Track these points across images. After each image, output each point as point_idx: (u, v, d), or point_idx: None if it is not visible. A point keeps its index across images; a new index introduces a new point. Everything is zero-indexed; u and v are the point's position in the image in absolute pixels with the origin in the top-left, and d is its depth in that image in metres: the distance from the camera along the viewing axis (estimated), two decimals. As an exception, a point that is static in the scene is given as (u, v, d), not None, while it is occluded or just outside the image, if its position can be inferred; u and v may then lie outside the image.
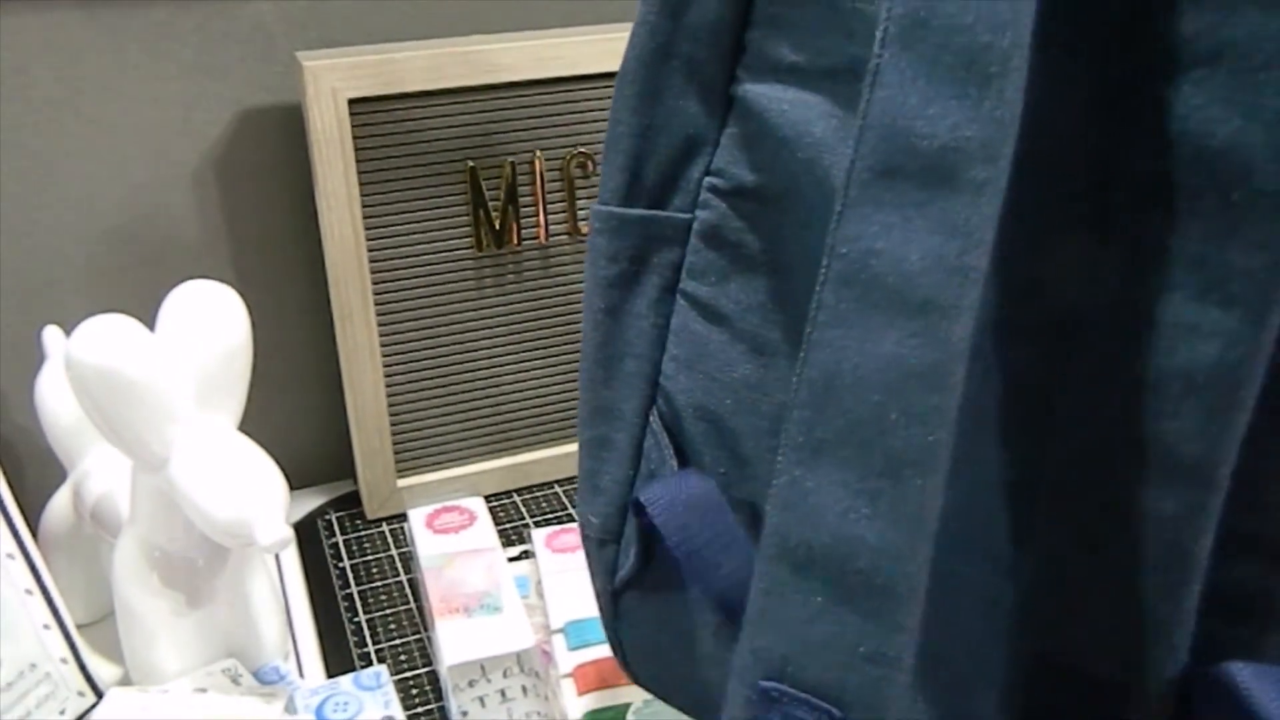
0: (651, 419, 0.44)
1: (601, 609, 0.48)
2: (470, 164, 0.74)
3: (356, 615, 0.70)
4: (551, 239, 0.77)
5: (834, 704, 0.32)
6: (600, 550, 0.46)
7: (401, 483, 0.80)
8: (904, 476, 0.31)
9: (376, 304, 0.75)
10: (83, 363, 0.51)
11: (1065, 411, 0.34)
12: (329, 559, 0.76)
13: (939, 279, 0.30)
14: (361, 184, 0.72)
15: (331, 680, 0.61)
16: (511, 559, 0.73)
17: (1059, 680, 0.36)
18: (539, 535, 0.73)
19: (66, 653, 0.59)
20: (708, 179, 0.42)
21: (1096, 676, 0.35)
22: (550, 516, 0.79)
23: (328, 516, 0.80)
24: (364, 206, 0.72)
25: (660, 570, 0.45)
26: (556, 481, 0.83)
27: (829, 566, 0.32)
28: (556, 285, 0.79)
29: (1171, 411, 0.32)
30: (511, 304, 0.78)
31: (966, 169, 0.30)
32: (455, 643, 0.59)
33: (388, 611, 0.70)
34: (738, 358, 0.42)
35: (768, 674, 0.33)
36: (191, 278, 0.57)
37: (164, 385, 0.53)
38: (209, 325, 0.55)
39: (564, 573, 0.69)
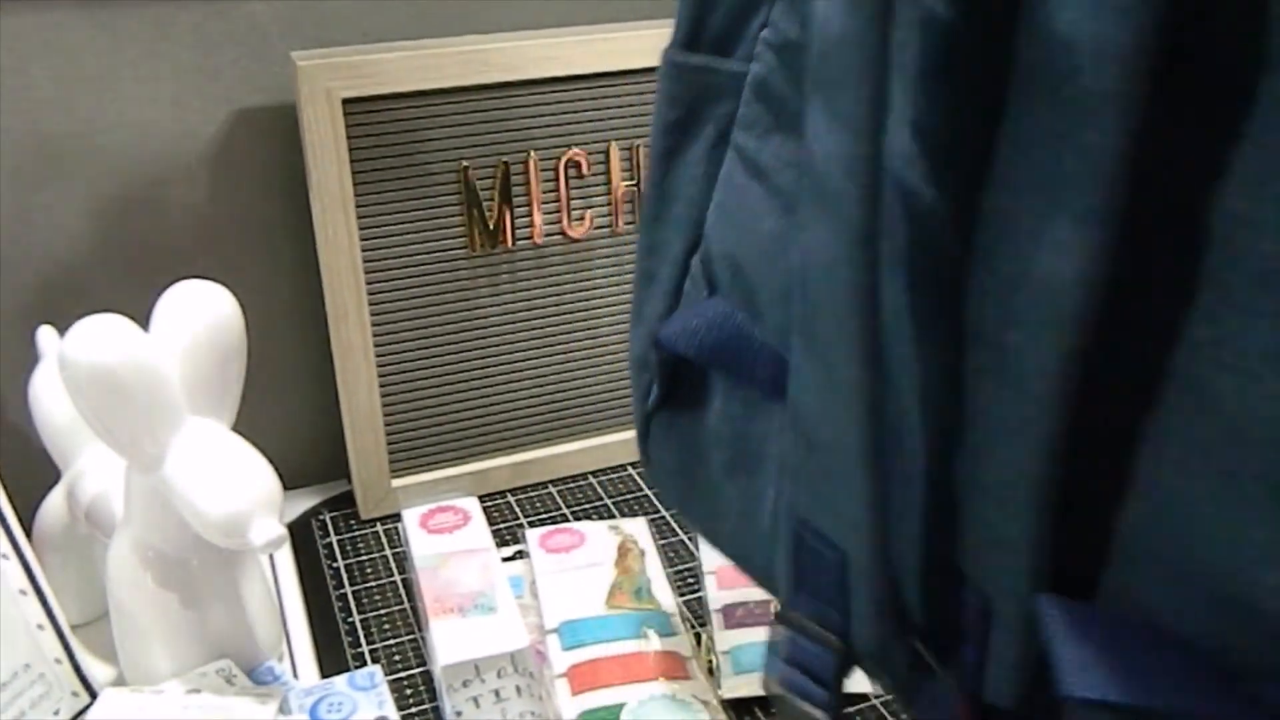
0: (693, 261, 0.46)
1: (638, 430, 0.51)
2: (464, 164, 0.74)
3: (351, 615, 0.70)
4: (545, 239, 0.77)
5: (835, 547, 0.37)
6: (638, 375, 0.49)
7: (396, 483, 0.80)
8: (831, 359, 0.34)
9: (370, 304, 0.75)
10: (77, 362, 0.51)
11: (935, 319, 0.35)
12: (323, 559, 0.76)
13: (840, 173, 0.32)
14: (355, 184, 0.72)
15: (326, 680, 0.61)
16: (506, 559, 0.73)
17: (949, 580, 0.37)
18: (533, 535, 0.73)
19: (61, 653, 0.59)
20: (763, 32, 0.42)
21: (974, 585, 0.36)
22: (545, 516, 0.79)
23: (322, 516, 0.80)
24: (358, 206, 0.72)
25: (680, 402, 0.48)
26: (551, 481, 0.83)
27: (811, 435, 0.37)
28: (550, 285, 0.79)
29: (1012, 320, 0.32)
30: (505, 304, 0.78)
31: (854, 62, 0.31)
32: (449, 643, 0.59)
33: (382, 612, 0.70)
34: (767, 212, 0.43)
35: (799, 517, 0.39)
36: (186, 277, 0.57)
37: (158, 385, 0.53)
38: (203, 325, 0.55)
39: (558, 573, 0.69)
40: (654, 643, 0.63)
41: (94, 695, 0.60)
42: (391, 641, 0.68)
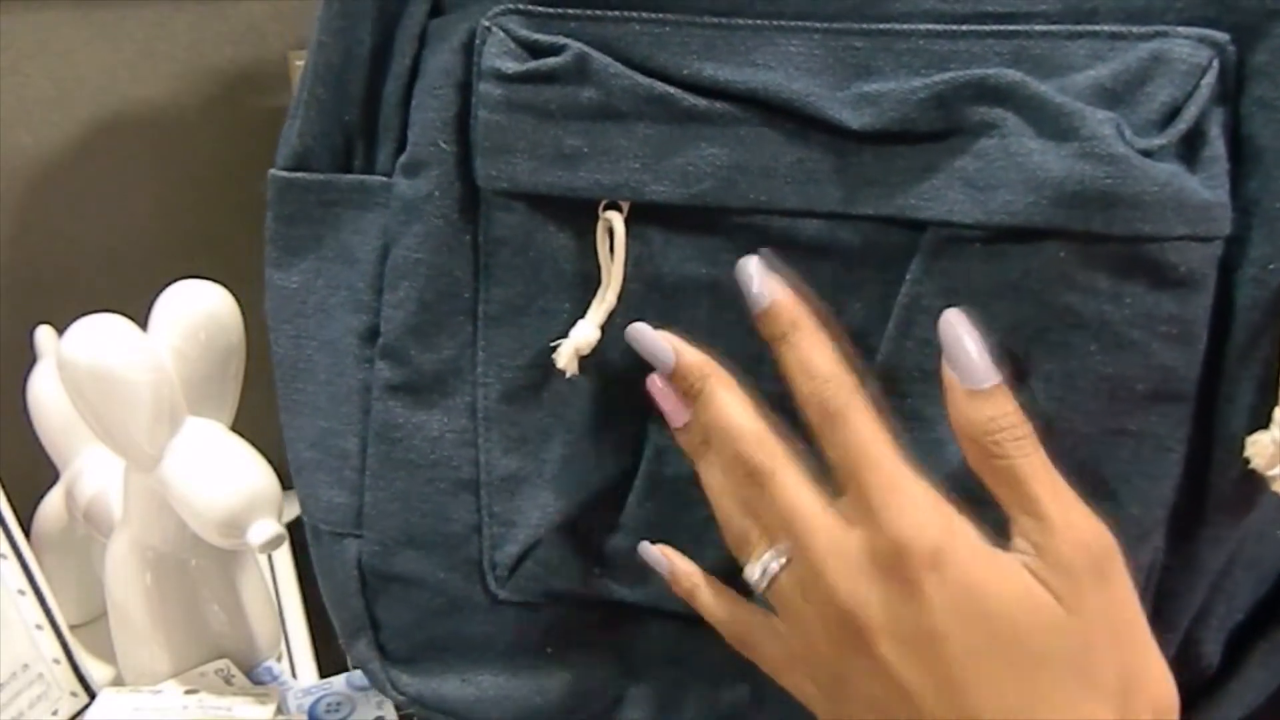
0: None
1: None
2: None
3: (349, 615, 0.70)
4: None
5: None
6: None
7: (395, 483, 0.80)
8: None
9: (369, 304, 0.75)
10: (75, 362, 0.51)
11: None
12: (322, 559, 0.75)
13: None
14: (354, 184, 0.72)
15: (325, 680, 0.61)
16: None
17: None
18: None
19: (59, 653, 0.59)
20: None
21: None
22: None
23: (321, 516, 0.80)
24: (357, 206, 0.72)
25: None
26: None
27: None
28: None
29: None
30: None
31: None
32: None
33: (381, 611, 0.70)
34: None
35: None
36: (184, 277, 0.57)
37: (156, 385, 0.53)
38: (202, 325, 0.55)
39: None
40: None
41: (92, 695, 0.60)
42: (390, 641, 0.67)
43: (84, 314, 0.53)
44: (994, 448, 0.34)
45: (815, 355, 0.37)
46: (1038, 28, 0.37)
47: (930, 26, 0.38)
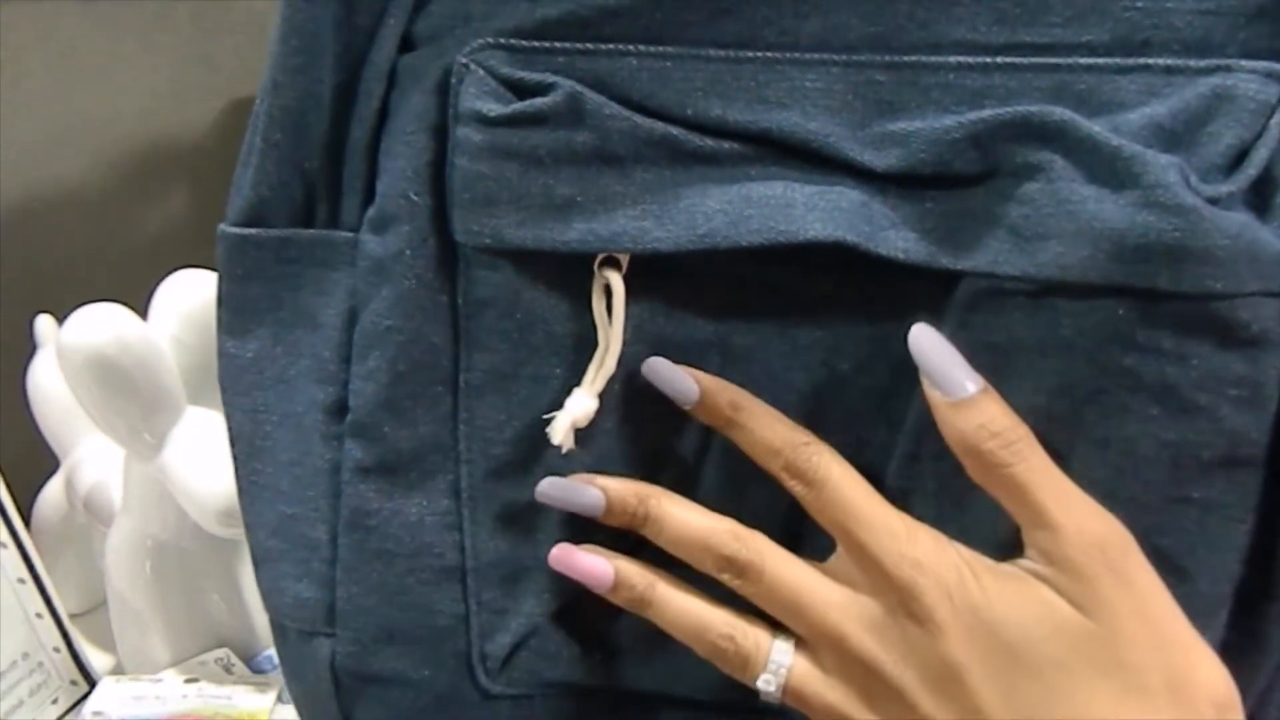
0: None
1: None
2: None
3: (349, 605, 0.70)
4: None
5: None
6: None
7: (394, 473, 0.80)
8: None
9: (369, 295, 0.75)
10: (75, 351, 0.51)
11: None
12: (322, 549, 0.75)
13: None
14: (354, 175, 0.72)
15: (324, 669, 0.61)
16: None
17: None
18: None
19: (59, 642, 0.59)
20: None
21: None
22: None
23: (320, 507, 0.80)
24: (357, 197, 0.72)
25: None
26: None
27: None
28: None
29: None
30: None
31: None
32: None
33: (380, 601, 0.70)
34: None
35: None
36: (184, 267, 0.57)
37: (157, 374, 0.53)
38: (201, 314, 0.55)
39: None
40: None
41: (92, 684, 0.60)
42: (389, 631, 0.68)
43: (84, 303, 0.53)
44: (989, 457, 0.33)
45: (770, 427, 0.35)
46: (1082, 60, 0.34)
47: (961, 59, 0.34)
